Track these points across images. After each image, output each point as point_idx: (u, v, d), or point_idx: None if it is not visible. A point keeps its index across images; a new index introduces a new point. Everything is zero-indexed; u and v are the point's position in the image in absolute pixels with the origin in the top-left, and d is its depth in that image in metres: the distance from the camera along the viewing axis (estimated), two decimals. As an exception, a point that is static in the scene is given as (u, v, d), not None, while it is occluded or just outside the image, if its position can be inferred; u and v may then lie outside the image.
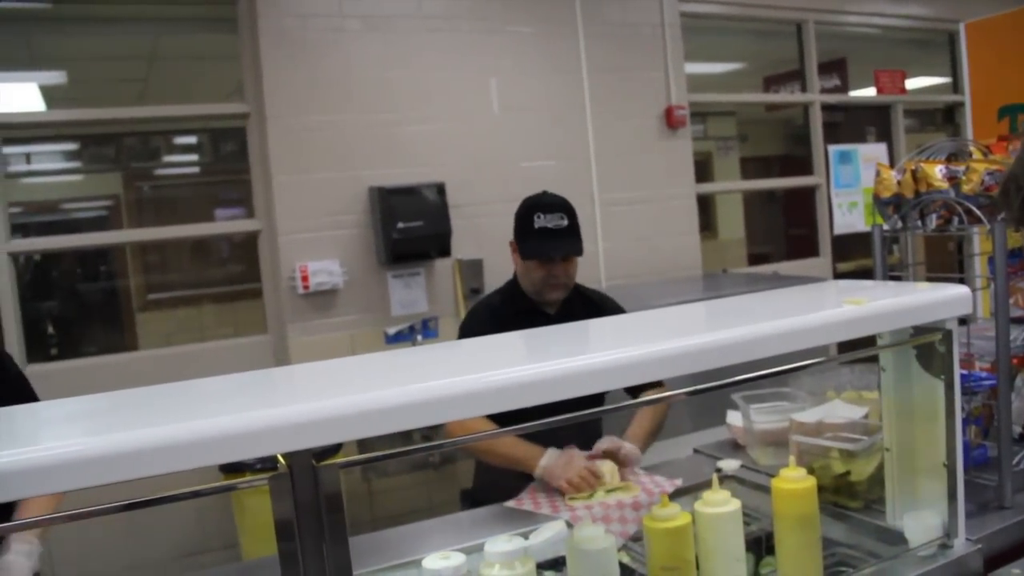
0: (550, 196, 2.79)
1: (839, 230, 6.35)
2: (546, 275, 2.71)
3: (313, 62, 4.69)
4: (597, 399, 1.96)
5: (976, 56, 3.80)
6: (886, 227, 2.39)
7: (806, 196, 6.86)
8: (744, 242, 7.12)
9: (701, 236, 6.05)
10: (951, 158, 2.49)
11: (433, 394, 1.23)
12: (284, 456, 1.21)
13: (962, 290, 1.88)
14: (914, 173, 2.32)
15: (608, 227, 5.49)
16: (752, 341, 1.48)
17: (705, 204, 6.70)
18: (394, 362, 1.69)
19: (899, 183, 2.36)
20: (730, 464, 2.43)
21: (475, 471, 2.91)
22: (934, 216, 2.32)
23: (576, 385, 1.37)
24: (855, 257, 6.80)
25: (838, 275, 6.64)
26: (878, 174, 2.40)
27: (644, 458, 2.57)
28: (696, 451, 2.74)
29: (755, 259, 6.91)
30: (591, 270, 5.38)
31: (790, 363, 1.68)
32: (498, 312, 2.78)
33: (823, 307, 1.77)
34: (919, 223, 2.36)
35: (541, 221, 2.68)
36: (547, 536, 1.50)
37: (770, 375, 1.66)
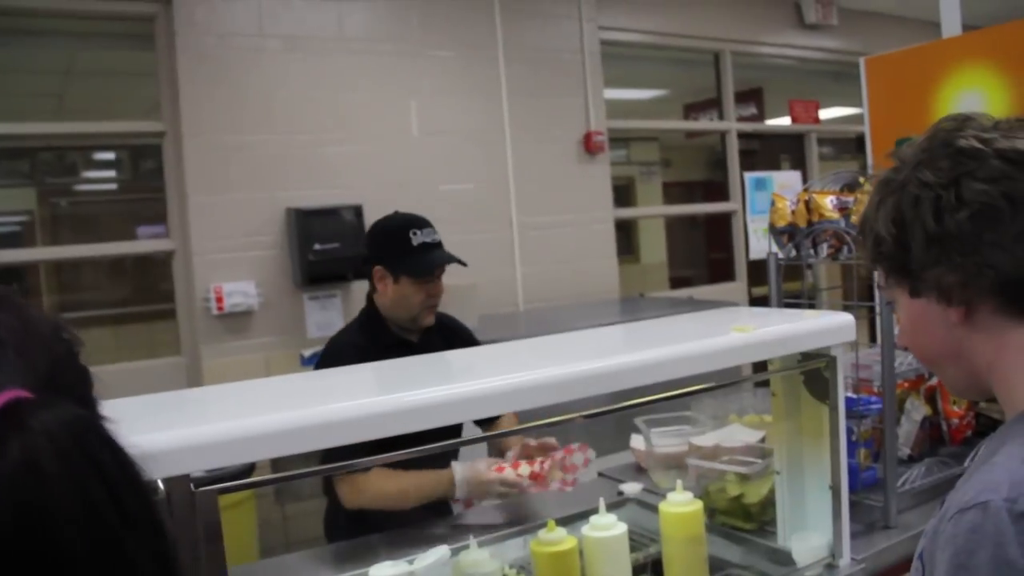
0: (410, 214, 2.66)
1: (754, 255, 6.46)
2: (426, 296, 2.55)
3: (232, 81, 4.64)
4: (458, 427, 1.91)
5: (875, 90, 3.94)
6: (780, 255, 2.47)
7: (724, 221, 7.01)
8: (666, 266, 7.24)
9: (624, 260, 6.12)
10: (844, 189, 2.58)
11: (311, 420, 1.23)
12: (163, 481, 1.20)
13: (846, 318, 1.95)
14: (807, 203, 2.41)
15: (526, 251, 5.52)
16: (631, 369, 1.51)
17: (628, 228, 6.80)
18: (288, 386, 1.69)
19: (793, 213, 2.44)
20: (632, 487, 2.46)
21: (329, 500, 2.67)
22: (825, 245, 2.40)
23: (478, 407, 1.40)
24: (771, 282, 6.92)
25: (753, 299, 6.79)
26: (773, 204, 2.48)
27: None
28: (600, 474, 2.77)
29: (677, 283, 7.02)
30: (508, 293, 5.41)
31: (689, 387, 1.73)
32: (365, 350, 2.36)
33: (710, 335, 1.82)
34: (812, 252, 2.43)
35: (419, 237, 2.54)
36: (431, 561, 1.51)
37: (663, 399, 1.69)
